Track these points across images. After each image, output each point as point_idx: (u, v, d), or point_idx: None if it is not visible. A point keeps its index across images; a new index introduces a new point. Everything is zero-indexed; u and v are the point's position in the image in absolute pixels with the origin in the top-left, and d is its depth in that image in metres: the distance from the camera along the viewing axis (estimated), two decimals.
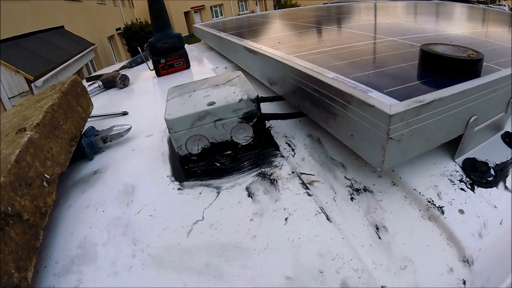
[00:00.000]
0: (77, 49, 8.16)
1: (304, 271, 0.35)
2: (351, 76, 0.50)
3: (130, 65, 1.45)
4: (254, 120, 0.51)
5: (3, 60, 5.81)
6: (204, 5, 27.10)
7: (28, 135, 0.48)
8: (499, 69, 0.49)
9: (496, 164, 0.47)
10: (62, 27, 8.71)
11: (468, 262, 0.37)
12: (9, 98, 5.94)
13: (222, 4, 28.28)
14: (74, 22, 9.46)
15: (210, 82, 0.59)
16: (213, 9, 28.15)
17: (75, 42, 8.53)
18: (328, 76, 0.50)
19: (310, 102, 0.55)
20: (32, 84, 5.96)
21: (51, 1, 8.37)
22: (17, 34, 6.65)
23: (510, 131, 0.54)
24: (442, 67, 0.48)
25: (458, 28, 0.94)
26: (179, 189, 0.49)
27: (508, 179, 0.46)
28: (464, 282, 0.36)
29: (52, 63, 6.66)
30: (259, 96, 0.52)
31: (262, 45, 0.83)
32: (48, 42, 7.41)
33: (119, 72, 1.22)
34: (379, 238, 0.39)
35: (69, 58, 7.31)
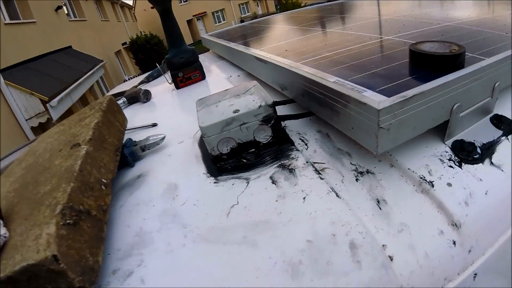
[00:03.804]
0: (87, 67, 8.34)
1: (320, 236, 0.44)
2: (350, 78, 0.59)
3: (147, 80, 1.56)
4: (272, 122, 0.61)
5: (17, 84, 5.96)
6: (206, 12, 27.28)
7: (85, 149, 0.59)
8: (483, 59, 0.56)
9: (483, 144, 0.54)
10: (70, 47, 8.94)
11: (456, 226, 0.44)
12: (26, 120, 6.10)
13: (223, 8, 28.35)
14: (81, 41, 9.67)
15: (231, 93, 0.68)
16: (215, 14, 28.21)
17: (84, 60, 8.73)
18: (330, 80, 0.59)
19: (317, 103, 0.63)
20: (47, 105, 6.10)
21: (57, 22, 8.58)
22: (27, 58, 6.84)
23: (499, 114, 0.59)
24: (428, 64, 0.56)
25: (455, 17, 0.99)
26: (215, 182, 0.58)
27: (494, 156, 0.52)
28: (454, 243, 0.43)
29: (64, 82, 6.81)
30: (274, 100, 0.61)
31: (271, 54, 0.91)
32: (58, 63, 7.59)
33: (140, 87, 1.32)
34: (380, 209, 0.47)
35: (80, 76, 7.47)
